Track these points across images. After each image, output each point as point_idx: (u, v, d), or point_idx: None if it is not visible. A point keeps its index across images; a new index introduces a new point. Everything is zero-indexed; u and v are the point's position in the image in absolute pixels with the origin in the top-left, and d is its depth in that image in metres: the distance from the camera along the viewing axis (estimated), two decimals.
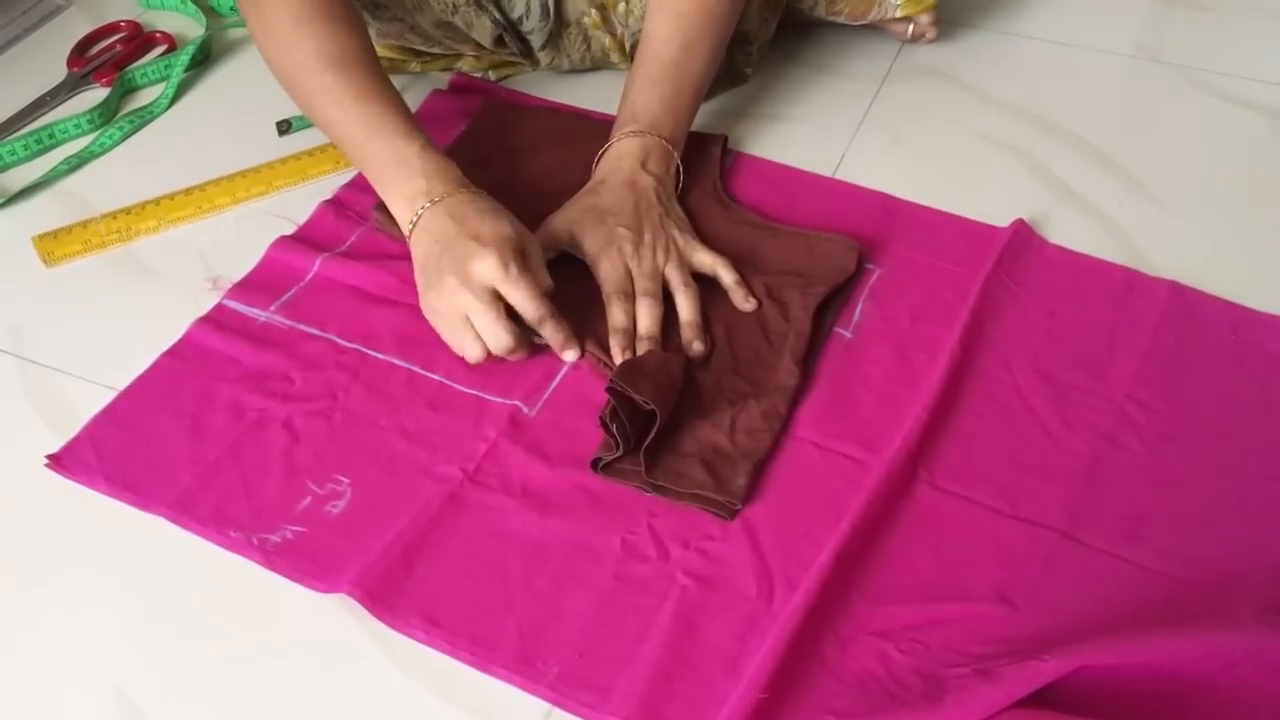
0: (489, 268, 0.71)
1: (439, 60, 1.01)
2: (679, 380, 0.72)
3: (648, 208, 0.80)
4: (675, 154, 0.84)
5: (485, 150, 0.92)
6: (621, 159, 0.83)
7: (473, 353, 0.74)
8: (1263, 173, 0.90)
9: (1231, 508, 0.68)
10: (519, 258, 0.73)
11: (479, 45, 0.97)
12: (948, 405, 0.73)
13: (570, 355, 0.75)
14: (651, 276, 0.78)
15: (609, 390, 0.69)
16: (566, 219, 0.80)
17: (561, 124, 0.95)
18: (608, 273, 0.78)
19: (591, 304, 0.78)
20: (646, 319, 0.76)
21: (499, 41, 0.95)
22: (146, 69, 1.04)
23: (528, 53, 0.98)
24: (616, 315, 0.76)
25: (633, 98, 0.85)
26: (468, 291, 0.72)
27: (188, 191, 0.91)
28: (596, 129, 0.88)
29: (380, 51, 0.98)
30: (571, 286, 0.79)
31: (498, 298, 0.72)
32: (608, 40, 0.97)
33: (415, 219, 0.75)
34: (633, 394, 0.68)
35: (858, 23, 0.98)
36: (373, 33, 0.95)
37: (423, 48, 0.98)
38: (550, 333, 0.74)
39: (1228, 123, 0.95)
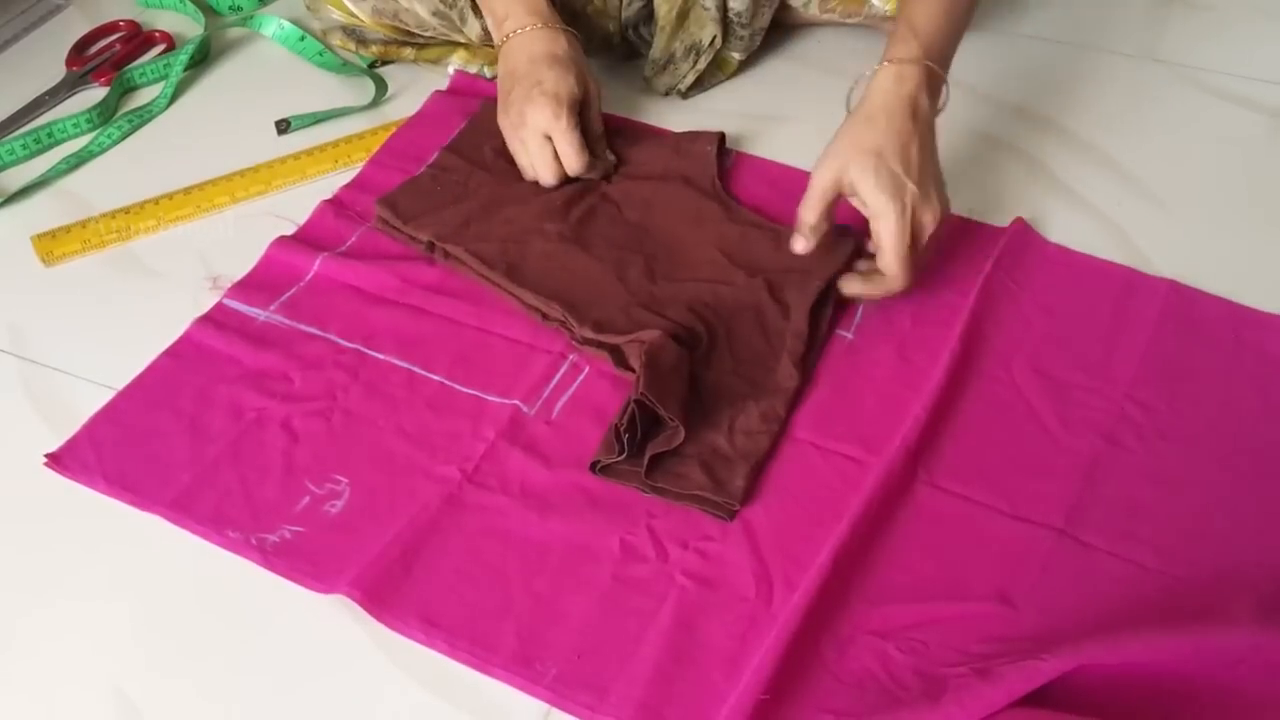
0: (543, 116, 0.82)
1: (433, 49, 1.00)
2: (687, 380, 0.71)
3: (920, 151, 0.74)
4: (946, 83, 0.78)
5: (484, 150, 0.91)
6: (902, 83, 0.75)
7: (534, 172, 0.86)
8: (1263, 173, 0.90)
9: (1231, 507, 0.68)
10: (572, 113, 0.83)
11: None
12: (947, 405, 0.73)
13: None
14: (918, 247, 0.74)
15: (637, 402, 0.68)
16: (839, 159, 0.74)
17: None
18: (891, 241, 0.73)
19: (592, 291, 0.78)
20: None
21: (487, 42, 0.95)
22: (145, 68, 1.04)
23: None
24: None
25: (912, 12, 0.77)
26: (525, 129, 0.84)
27: (187, 191, 0.91)
28: None
29: (376, 29, 0.98)
30: (569, 275, 0.79)
31: (548, 140, 0.83)
32: None
33: (502, 43, 0.87)
34: (661, 411, 0.67)
35: (850, 21, 0.98)
36: (368, 8, 0.95)
37: (417, 30, 0.97)
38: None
39: (1228, 122, 0.95)
